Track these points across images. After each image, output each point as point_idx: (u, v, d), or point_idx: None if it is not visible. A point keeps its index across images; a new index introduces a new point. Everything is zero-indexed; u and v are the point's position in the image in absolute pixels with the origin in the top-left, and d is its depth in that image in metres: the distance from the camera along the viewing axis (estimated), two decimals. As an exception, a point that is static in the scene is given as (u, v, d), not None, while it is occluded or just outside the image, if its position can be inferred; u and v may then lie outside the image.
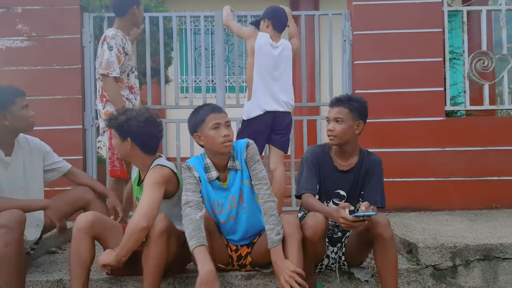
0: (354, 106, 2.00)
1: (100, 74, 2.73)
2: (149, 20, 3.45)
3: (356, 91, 3.46)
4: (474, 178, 3.42)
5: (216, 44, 3.57)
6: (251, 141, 2.00)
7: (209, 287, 1.62)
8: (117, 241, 1.83)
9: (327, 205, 2.03)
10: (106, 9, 3.50)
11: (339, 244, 2.07)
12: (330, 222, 2.02)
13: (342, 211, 1.75)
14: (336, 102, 2.02)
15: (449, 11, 3.56)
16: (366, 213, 1.73)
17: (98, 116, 2.91)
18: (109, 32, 2.77)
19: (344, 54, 3.55)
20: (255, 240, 2.03)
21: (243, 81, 6.17)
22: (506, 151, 3.42)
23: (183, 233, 1.82)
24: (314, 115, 4.47)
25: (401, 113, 3.45)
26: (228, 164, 1.96)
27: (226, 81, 5.75)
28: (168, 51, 4.03)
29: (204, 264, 1.65)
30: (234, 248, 2.04)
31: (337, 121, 1.98)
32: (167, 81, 4.52)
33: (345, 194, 2.03)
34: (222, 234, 2.02)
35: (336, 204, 2.02)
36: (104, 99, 2.79)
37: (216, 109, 1.94)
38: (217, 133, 1.87)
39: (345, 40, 3.55)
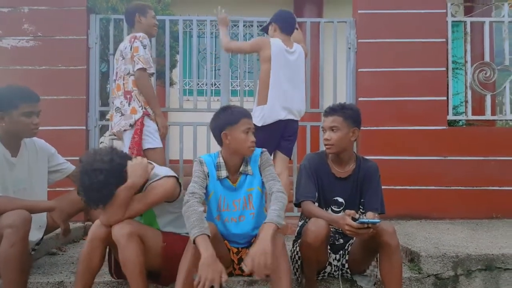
0: (348, 114, 2.02)
1: (137, 69, 2.71)
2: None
3: (360, 99, 3.49)
4: (475, 188, 3.44)
5: (221, 47, 3.57)
6: (265, 149, 2.07)
7: (212, 267, 1.65)
8: None
9: None
10: (112, 11, 3.52)
11: (341, 252, 2.07)
12: (332, 229, 2.02)
13: (347, 218, 1.76)
14: (330, 111, 2.04)
15: (453, 21, 3.59)
16: (371, 220, 1.75)
17: (118, 115, 2.78)
18: (137, 33, 2.79)
19: (349, 62, 3.57)
20: (252, 241, 2.03)
21: (246, 85, 6.20)
22: (507, 161, 3.44)
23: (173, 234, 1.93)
24: (317, 121, 4.49)
25: (404, 121, 3.47)
26: (241, 168, 2.02)
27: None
28: (173, 54, 4.05)
29: (206, 249, 1.68)
30: (235, 250, 2.05)
31: (333, 130, 2.00)
32: (171, 83, 4.54)
33: (343, 202, 2.03)
34: (225, 236, 2.03)
35: (334, 212, 2.03)
36: (129, 96, 2.77)
37: (248, 114, 2.01)
38: (247, 137, 1.94)
39: (349, 48, 3.57)
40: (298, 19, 3.55)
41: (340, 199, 2.04)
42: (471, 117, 3.63)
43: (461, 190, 3.43)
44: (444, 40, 3.52)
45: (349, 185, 2.04)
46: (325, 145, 2.02)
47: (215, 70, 6.39)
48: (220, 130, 1.96)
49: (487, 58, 3.61)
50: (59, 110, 3.28)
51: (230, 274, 2.10)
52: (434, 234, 2.77)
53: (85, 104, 3.38)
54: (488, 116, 3.62)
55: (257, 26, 3.57)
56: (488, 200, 3.42)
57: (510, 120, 3.76)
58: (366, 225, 1.74)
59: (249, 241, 2.04)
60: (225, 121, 1.96)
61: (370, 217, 1.79)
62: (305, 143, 3.56)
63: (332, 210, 2.04)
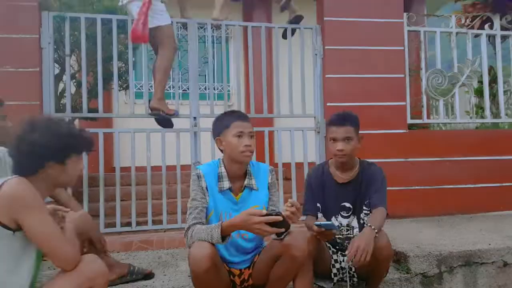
0: (355, 122, 2.09)
1: None
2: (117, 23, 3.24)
3: (328, 104, 3.56)
4: (433, 187, 3.67)
5: (189, 50, 3.43)
6: (272, 168, 2.03)
7: (251, 220, 1.61)
8: None
9: (336, 220, 2.08)
10: (67, 8, 3.22)
11: None
12: (341, 236, 2.05)
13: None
14: (342, 121, 2.04)
15: (408, 30, 3.82)
16: (323, 223, 1.81)
17: None
18: None
19: (316, 68, 3.63)
20: (255, 259, 1.97)
21: (215, 88, 6.02)
22: (459, 161, 3.73)
23: None
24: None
25: (370, 126, 3.58)
26: (245, 182, 1.92)
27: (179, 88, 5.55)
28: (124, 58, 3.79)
29: (234, 219, 1.67)
30: (237, 272, 1.96)
31: (347, 140, 2.01)
32: (125, 87, 4.28)
33: (351, 206, 2.07)
34: (225, 256, 1.93)
35: (344, 217, 2.05)
36: None
37: (242, 117, 1.91)
38: (239, 141, 1.85)
39: (316, 54, 3.63)
40: (266, 25, 3.56)
41: (348, 204, 2.07)
42: (426, 120, 3.89)
43: (421, 190, 3.65)
44: (402, 48, 3.73)
45: (351, 189, 2.07)
46: (337, 155, 2.03)
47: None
48: (215, 137, 1.92)
49: (438, 65, 3.89)
50: (9, 117, 2.90)
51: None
52: (407, 233, 2.90)
53: (39, 110, 3.03)
54: (441, 119, 3.91)
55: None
56: (444, 198, 3.68)
57: (460, 123, 4.09)
58: (323, 229, 1.79)
59: (251, 260, 1.96)
60: (218, 126, 1.92)
61: (321, 220, 1.89)
62: (263, 149, 3.48)
63: (342, 216, 2.08)
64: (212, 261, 1.64)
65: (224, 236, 1.67)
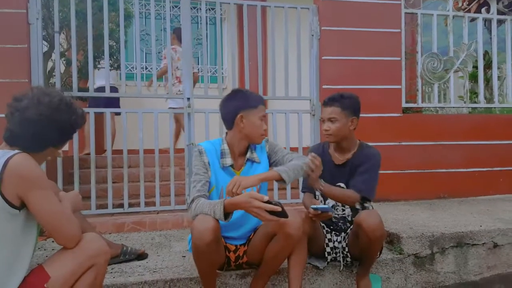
0: (346, 104, 2.06)
1: None
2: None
3: (324, 86, 3.52)
4: (426, 171, 3.69)
5: (182, 30, 3.35)
6: (267, 137, 2.04)
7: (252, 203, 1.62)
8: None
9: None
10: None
11: (343, 234, 2.13)
12: (336, 215, 2.06)
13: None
14: (329, 102, 2.07)
15: (405, 13, 3.77)
16: (319, 206, 1.85)
17: None
18: None
19: (312, 49, 3.58)
20: (251, 236, 1.98)
21: (208, 71, 5.92)
22: (452, 145, 3.74)
23: None
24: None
25: (364, 108, 3.47)
26: (247, 155, 1.94)
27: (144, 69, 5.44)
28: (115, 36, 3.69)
29: (238, 198, 1.65)
30: (233, 248, 1.96)
31: (331, 121, 2.03)
32: (116, 67, 4.20)
33: (344, 187, 2.07)
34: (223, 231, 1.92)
35: None
36: None
37: (263, 101, 1.95)
38: (261, 124, 1.90)
39: (313, 35, 3.57)
40: (262, 3, 3.49)
41: (342, 185, 2.09)
42: (421, 104, 3.88)
43: (414, 173, 3.67)
44: (399, 30, 3.69)
45: (346, 170, 2.08)
46: (325, 135, 2.05)
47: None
48: (236, 112, 1.86)
49: (435, 49, 3.86)
50: (-3, 95, 2.82)
51: (225, 269, 2.02)
52: (401, 216, 2.92)
53: (27, 87, 2.94)
54: (435, 104, 3.91)
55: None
56: (436, 182, 3.70)
57: (454, 107, 4.10)
58: (319, 212, 1.82)
59: (247, 237, 1.97)
60: (243, 103, 1.87)
61: (316, 203, 1.95)
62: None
63: None
64: (215, 235, 1.65)
65: (226, 214, 1.67)
